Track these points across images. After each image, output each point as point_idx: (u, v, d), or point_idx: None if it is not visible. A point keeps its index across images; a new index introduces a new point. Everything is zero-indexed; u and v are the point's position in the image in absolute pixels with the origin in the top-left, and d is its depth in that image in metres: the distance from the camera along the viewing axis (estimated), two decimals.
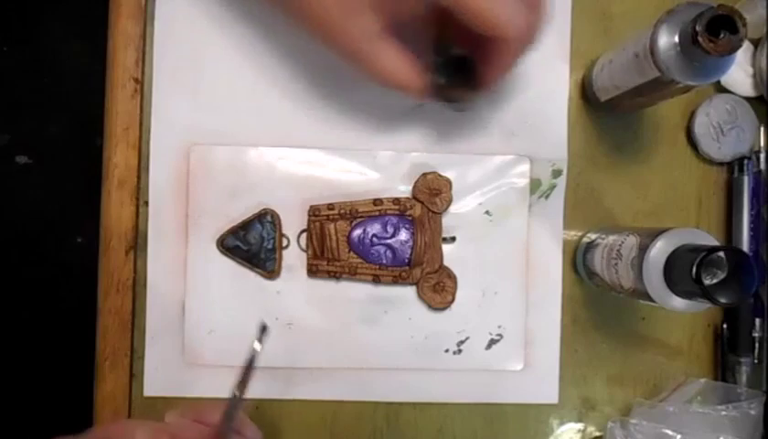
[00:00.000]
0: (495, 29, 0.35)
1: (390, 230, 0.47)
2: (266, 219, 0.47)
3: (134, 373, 0.48)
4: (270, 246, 0.47)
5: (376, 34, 0.37)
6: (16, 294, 0.87)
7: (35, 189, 0.86)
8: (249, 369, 0.37)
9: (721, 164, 0.51)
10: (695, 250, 0.37)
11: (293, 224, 0.48)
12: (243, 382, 0.37)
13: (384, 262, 0.47)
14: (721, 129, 0.50)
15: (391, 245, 0.47)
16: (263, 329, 0.39)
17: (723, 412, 0.46)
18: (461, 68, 0.41)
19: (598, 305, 0.50)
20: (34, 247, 0.86)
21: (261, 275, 0.47)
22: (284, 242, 0.47)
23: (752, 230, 0.49)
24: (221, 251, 0.47)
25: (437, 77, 0.41)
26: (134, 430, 0.34)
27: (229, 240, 0.47)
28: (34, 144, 0.86)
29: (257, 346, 0.38)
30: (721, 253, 0.36)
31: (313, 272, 0.47)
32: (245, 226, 0.47)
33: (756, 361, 0.49)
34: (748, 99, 0.50)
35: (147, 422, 0.35)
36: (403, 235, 0.47)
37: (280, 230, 0.47)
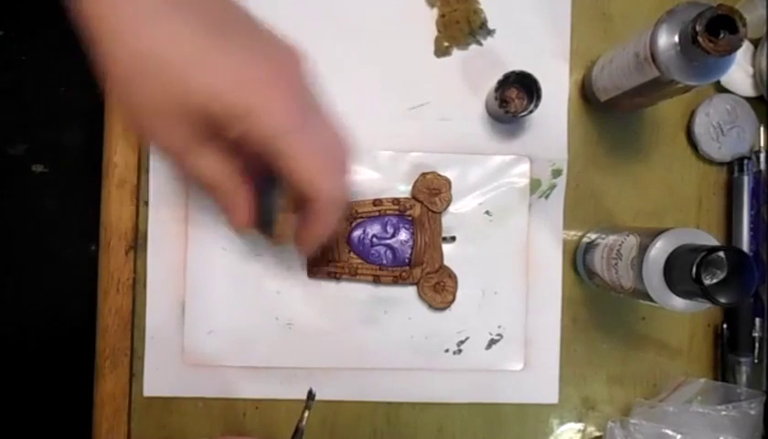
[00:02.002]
0: (309, 189, 0.35)
1: (390, 230, 0.47)
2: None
3: (134, 373, 0.48)
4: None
5: (192, 139, 0.34)
6: (25, 299, 0.87)
7: (51, 198, 0.86)
8: (298, 434, 0.38)
9: (721, 164, 0.51)
10: (695, 250, 0.37)
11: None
12: None
13: (384, 262, 0.47)
14: (721, 129, 0.50)
15: (391, 245, 0.47)
16: (311, 396, 0.39)
17: (723, 412, 0.46)
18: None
19: (598, 305, 0.50)
20: (48, 255, 0.86)
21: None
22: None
23: (752, 230, 0.49)
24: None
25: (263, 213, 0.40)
26: None
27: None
28: (50, 154, 0.86)
29: (306, 413, 0.39)
30: (721, 253, 0.36)
31: (313, 273, 0.47)
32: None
33: (756, 361, 0.49)
34: (748, 99, 0.50)
35: None
36: (403, 235, 0.47)
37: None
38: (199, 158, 0.35)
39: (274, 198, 0.40)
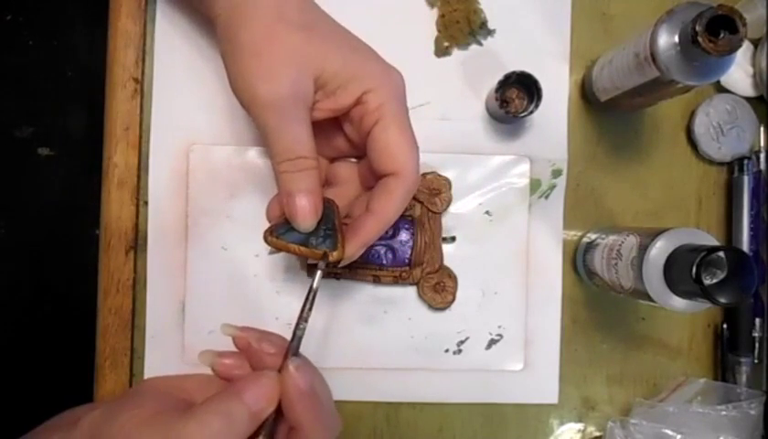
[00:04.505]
0: (395, 159, 0.38)
1: (390, 230, 0.47)
2: None
3: (134, 373, 0.48)
4: (329, 222, 0.39)
5: (305, 106, 0.37)
6: (30, 289, 0.87)
7: (57, 181, 0.86)
8: (313, 293, 0.37)
9: (721, 164, 0.51)
10: (695, 250, 0.37)
11: None
12: (309, 306, 0.37)
13: (384, 262, 0.47)
14: (721, 129, 0.50)
15: (391, 245, 0.47)
16: (325, 256, 0.38)
17: (723, 412, 0.46)
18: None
19: (598, 305, 0.50)
20: (53, 239, 0.86)
21: (324, 258, 0.38)
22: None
23: (752, 230, 0.49)
24: (275, 247, 0.38)
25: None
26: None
27: (281, 227, 0.39)
28: (56, 137, 0.87)
29: (318, 274, 0.37)
30: (721, 253, 0.36)
31: (313, 272, 0.47)
32: None
33: (756, 361, 0.49)
34: (748, 99, 0.50)
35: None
36: (403, 235, 0.47)
37: (337, 209, 0.41)
38: (301, 121, 0.37)
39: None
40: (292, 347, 0.36)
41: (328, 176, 0.44)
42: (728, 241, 0.50)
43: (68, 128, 0.87)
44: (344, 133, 0.42)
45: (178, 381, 0.37)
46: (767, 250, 0.49)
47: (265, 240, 0.38)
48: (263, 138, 0.38)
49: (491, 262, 0.49)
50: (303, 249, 0.38)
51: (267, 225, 0.40)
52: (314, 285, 0.37)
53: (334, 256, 0.37)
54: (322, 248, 0.38)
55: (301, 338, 0.37)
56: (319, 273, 0.37)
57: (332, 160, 0.44)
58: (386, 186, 0.39)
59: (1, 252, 0.87)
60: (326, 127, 0.41)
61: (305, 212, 0.38)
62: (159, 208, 0.47)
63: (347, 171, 0.44)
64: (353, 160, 0.44)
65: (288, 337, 0.37)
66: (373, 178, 0.40)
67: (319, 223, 0.39)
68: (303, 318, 0.37)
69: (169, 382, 0.37)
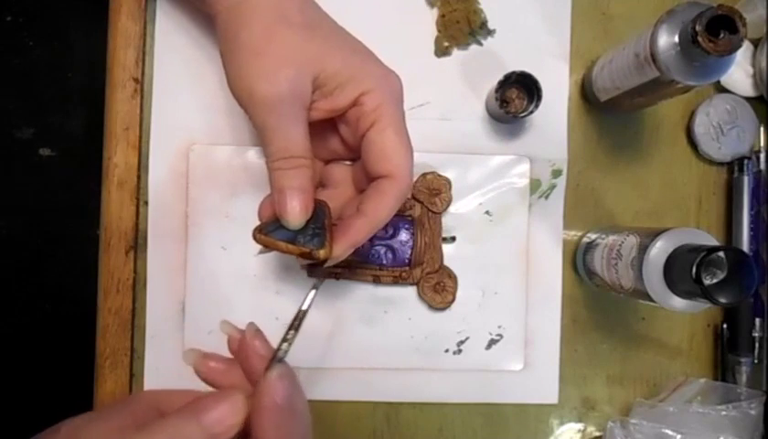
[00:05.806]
0: (390, 162, 0.38)
1: (390, 230, 0.47)
2: None
3: (134, 373, 0.48)
4: (319, 222, 0.39)
5: (302, 106, 0.37)
6: (30, 289, 0.88)
7: (57, 181, 0.87)
8: (299, 315, 0.36)
9: (721, 164, 0.51)
10: (695, 250, 0.37)
11: None
12: (299, 323, 0.36)
13: (384, 262, 0.47)
14: (721, 129, 0.50)
15: (391, 245, 0.47)
16: (311, 254, 0.37)
17: (723, 412, 0.46)
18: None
19: (598, 305, 0.50)
20: (53, 239, 0.87)
21: (311, 255, 0.38)
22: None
23: (752, 230, 0.49)
24: (263, 244, 0.38)
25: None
26: None
27: (270, 225, 0.39)
28: (57, 138, 0.87)
29: (312, 292, 0.37)
30: (721, 253, 0.36)
31: (313, 273, 0.47)
32: None
33: (756, 361, 0.49)
34: (748, 99, 0.50)
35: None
36: (403, 235, 0.47)
37: (328, 210, 0.41)
38: (298, 121, 0.37)
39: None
40: (278, 354, 0.34)
41: (322, 177, 0.44)
42: (728, 241, 0.50)
43: (68, 128, 0.87)
44: (339, 135, 0.42)
45: (166, 395, 0.35)
46: (767, 250, 0.49)
47: (254, 237, 0.38)
48: (260, 137, 0.38)
49: (491, 262, 0.49)
50: (290, 246, 0.38)
51: None
52: (305, 308, 0.36)
53: (321, 255, 0.37)
54: (309, 246, 0.38)
55: (288, 348, 0.35)
56: (314, 292, 0.37)
57: (326, 162, 0.44)
58: (379, 187, 0.39)
59: (1, 253, 0.87)
60: (322, 128, 0.41)
61: (295, 209, 0.38)
62: (159, 208, 0.47)
63: (342, 173, 0.43)
64: (347, 163, 0.44)
65: None
66: (367, 181, 0.40)
67: (308, 222, 0.39)
68: (293, 326, 0.36)
69: (157, 396, 0.35)
